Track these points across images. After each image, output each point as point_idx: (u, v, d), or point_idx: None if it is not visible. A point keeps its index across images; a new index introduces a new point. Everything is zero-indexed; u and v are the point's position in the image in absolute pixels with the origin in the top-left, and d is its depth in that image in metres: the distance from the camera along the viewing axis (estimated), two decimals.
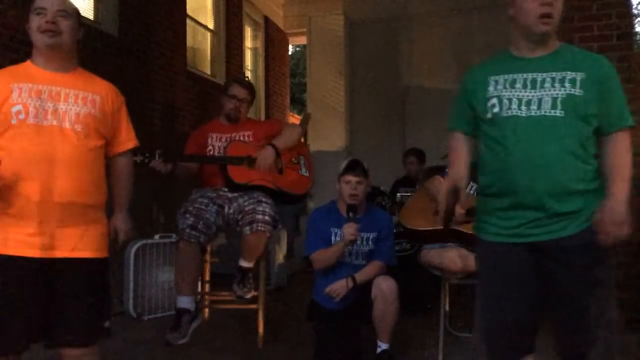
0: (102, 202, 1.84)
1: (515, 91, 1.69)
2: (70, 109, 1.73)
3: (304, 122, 7.16)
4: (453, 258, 2.75)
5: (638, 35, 9.68)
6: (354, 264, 2.75)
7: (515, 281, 1.70)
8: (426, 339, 3.17)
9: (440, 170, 3.49)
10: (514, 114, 1.67)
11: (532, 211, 1.65)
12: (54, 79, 1.75)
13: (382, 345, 2.66)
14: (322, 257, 2.74)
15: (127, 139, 1.93)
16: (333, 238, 2.77)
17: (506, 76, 1.72)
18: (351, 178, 2.75)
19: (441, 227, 2.84)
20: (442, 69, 6.82)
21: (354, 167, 2.79)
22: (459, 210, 2.80)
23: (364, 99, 7.33)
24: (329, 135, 7.02)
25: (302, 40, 8.76)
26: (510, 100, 1.69)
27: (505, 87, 1.71)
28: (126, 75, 4.72)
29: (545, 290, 1.68)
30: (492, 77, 1.74)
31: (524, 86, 1.68)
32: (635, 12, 13.22)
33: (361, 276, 2.69)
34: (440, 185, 2.96)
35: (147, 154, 2.69)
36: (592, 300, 1.62)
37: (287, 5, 8.91)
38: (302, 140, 3.35)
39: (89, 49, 4.11)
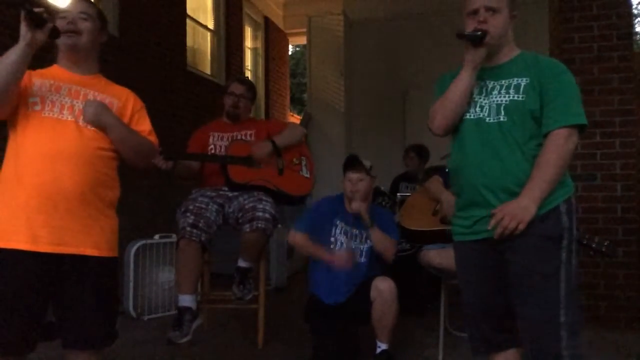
0: (112, 201, 1.82)
1: (472, 97, 1.79)
2: None
3: (304, 122, 7.16)
4: (453, 258, 2.75)
5: (638, 35, 9.70)
6: (354, 261, 2.74)
7: (479, 277, 1.79)
8: (426, 339, 3.17)
9: (440, 170, 3.50)
10: (471, 117, 1.79)
11: (480, 209, 1.73)
12: (74, 79, 1.81)
13: (382, 346, 2.66)
14: (303, 244, 2.78)
15: (150, 134, 1.90)
16: (334, 230, 2.80)
17: None
18: (352, 175, 2.78)
19: (441, 228, 2.86)
20: (442, 68, 6.80)
21: (353, 164, 2.81)
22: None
23: (364, 98, 7.33)
24: (329, 135, 7.02)
25: (302, 40, 8.77)
26: (469, 104, 1.80)
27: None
28: (126, 75, 4.71)
29: (508, 281, 1.73)
30: None
31: (480, 93, 1.79)
32: (635, 12, 13.24)
33: (377, 232, 2.71)
34: (440, 185, 2.97)
35: None
36: (536, 295, 1.65)
37: (287, 5, 8.91)
38: (304, 141, 3.34)
39: None
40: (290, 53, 11.43)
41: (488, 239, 1.71)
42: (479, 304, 1.81)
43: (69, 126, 1.71)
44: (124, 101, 1.86)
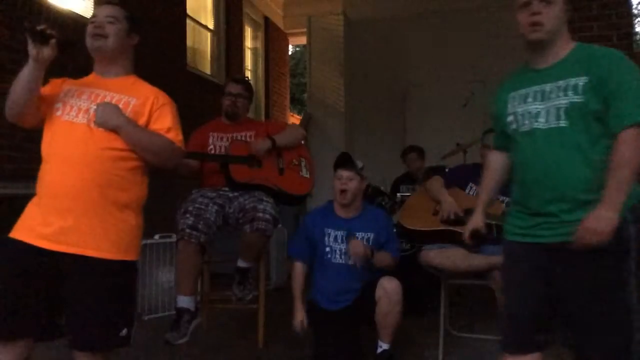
0: (127, 202, 1.81)
1: (527, 105, 1.72)
2: None
3: (304, 122, 7.16)
4: (453, 258, 2.75)
5: (638, 35, 9.70)
6: (348, 265, 2.75)
7: (524, 277, 1.73)
8: (426, 339, 3.16)
9: (440, 170, 3.50)
10: (526, 129, 1.71)
11: (543, 217, 1.67)
12: (101, 83, 1.86)
13: (383, 345, 2.65)
14: (294, 276, 2.84)
15: (169, 131, 1.86)
16: (326, 239, 2.78)
17: (521, 91, 1.75)
18: (342, 173, 2.77)
19: (441, 228, 2.85)
20: (442, 68, 6.83)
21: (344, 162, 2.80)
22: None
23: (364, 98, 7.33)
24: (329, 135, 7.02)
25: (302, 40, 8.76)
26: (523, 115, 1.73)
27: (519, 103, 1.75)
28: None
29: (557, 291, 1.67)
30: (511, 94, 1.79)
31: (534, 99, 1.70)
32: (635, 12, 13.23)
33: (378, 256, 2.72)
34: (440, 186, 2.97)
35: None
36: (596, 305, 1.60)
37: (287, 5, 8.91)
38: (304, 142, 3.35)
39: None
40: (290, 53, 11.43)
41: (545, 244, 1.66)
42: (521, 304, 1.74)
43: (79, 129, 1.74)
44: (142, 99, 1.85)
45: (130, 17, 1.91)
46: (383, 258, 2.75)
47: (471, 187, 2.99)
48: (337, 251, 2.76)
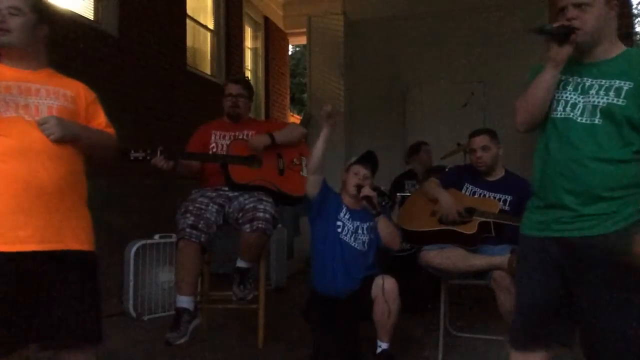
0: (83, 195, 1.80)
1: (566, 93, 1.70)
2: (43, 103, 1.73)
3: (305, 122, 7.16)
4: (453, 258, 2.75)
5: (638, 35, 9.70)
6: (358, 249, 2.74)
7: (538, 272, 1.71)
8: (426, 339, 3.17)
9: (441, 170, 3.50)
10: (557, 116, 1.69)
11: (561, 210, 1.65)
12: (22, 76, 1.76)
13: (382, 345, 2.65)
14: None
15: (107, 126, 1.90)
16: (341, 214, 2.76)
17: (562, 77, 1.72)
18: (360, 170, 2.75)
19: (439, 228, 2.85)
20: (441, 68, 6.83)
21: (367, 160, 2.79)
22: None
23: (364, 98, 7.33)
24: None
25: (302, 40, 8.76)
26: (558, 101, 1.70)
27: (558, 88, 1.71)
28: (126, 75, 4.72)
29: (573, 288, 1.65)
30: None
31: (575, 89, 1.68)
32: (635, 12, 13.25)
33: (383, 220, 2.73)
34: (437, 186, 2.97)
35: (148, 151, 2.70)
36: (615, 305, 1.56)
37: (287, 5, 8.91)
38: (304, 141, 3.35)
39: (89, 49, 4.11)
40: (290, 53, 11.43)
41: (562, 239, 1.64)
42: (533, 300, 1.72)
43: (26, 125, 1.67)
44: (75, 92, 1.83)
45: (36, 7, 1.78)
46: (388, 224, 2.76)
47: (467, 187, 2.99)
48: (348, 231, 2.74)
